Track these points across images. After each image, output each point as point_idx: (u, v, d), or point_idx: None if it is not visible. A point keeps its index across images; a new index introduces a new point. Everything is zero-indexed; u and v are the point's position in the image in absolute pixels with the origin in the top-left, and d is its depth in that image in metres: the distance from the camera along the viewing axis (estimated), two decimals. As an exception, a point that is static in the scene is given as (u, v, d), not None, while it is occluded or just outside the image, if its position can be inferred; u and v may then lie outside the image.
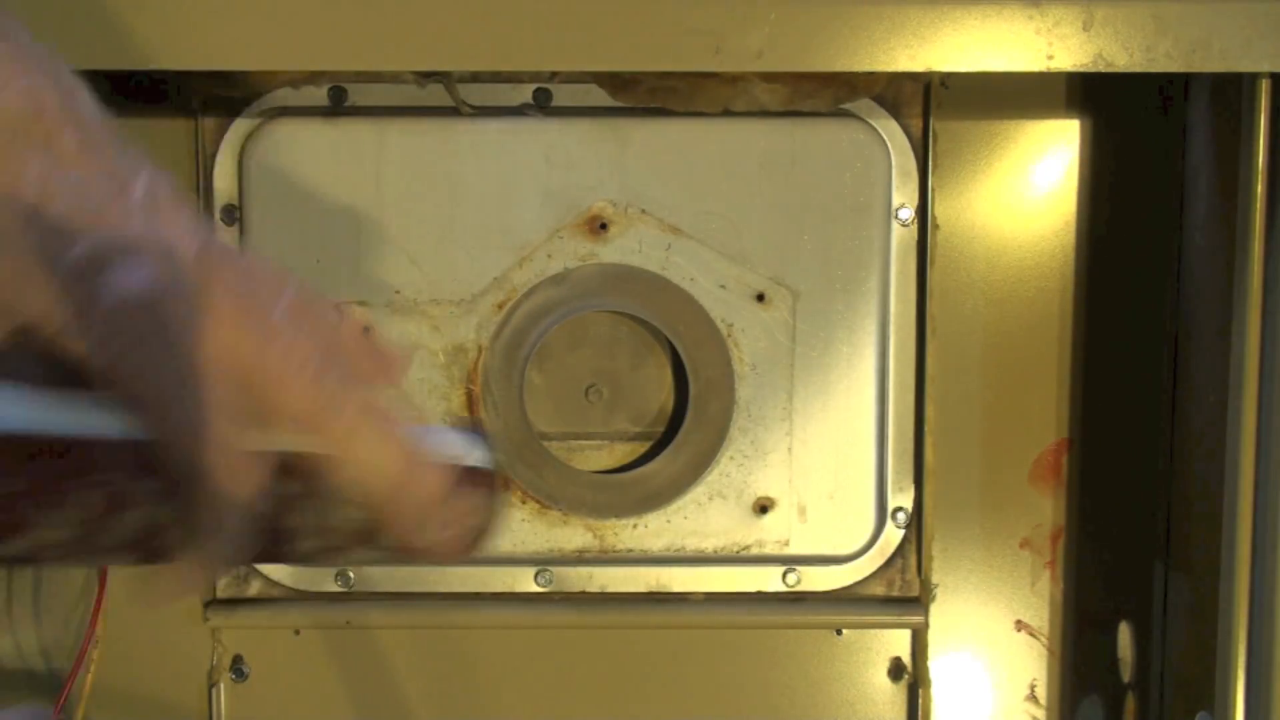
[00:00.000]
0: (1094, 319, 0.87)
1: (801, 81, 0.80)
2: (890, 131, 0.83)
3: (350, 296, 0.82)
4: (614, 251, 0.83)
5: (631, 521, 0.85)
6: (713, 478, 0.85)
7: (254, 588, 0.85)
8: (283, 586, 0.85)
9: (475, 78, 0.81)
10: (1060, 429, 0.88)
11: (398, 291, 0.83)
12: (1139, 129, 0.86)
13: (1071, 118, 0.86)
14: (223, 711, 0.86)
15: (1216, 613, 0.76)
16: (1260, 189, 0.73)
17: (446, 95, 0.80)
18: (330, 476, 0.39)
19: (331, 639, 0.87)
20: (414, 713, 0.90)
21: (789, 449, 0.85)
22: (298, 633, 0.87)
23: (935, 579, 0.88)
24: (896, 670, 0.89)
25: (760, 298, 0.83)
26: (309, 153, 0.81)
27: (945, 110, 0.83)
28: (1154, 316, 0.87)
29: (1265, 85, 0.72)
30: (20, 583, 0.87)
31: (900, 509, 0.85)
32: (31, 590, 0.87)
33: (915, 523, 0.85)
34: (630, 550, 0.85)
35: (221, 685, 0.86)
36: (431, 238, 0.82)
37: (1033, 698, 0.90)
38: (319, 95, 0.82)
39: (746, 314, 0.84)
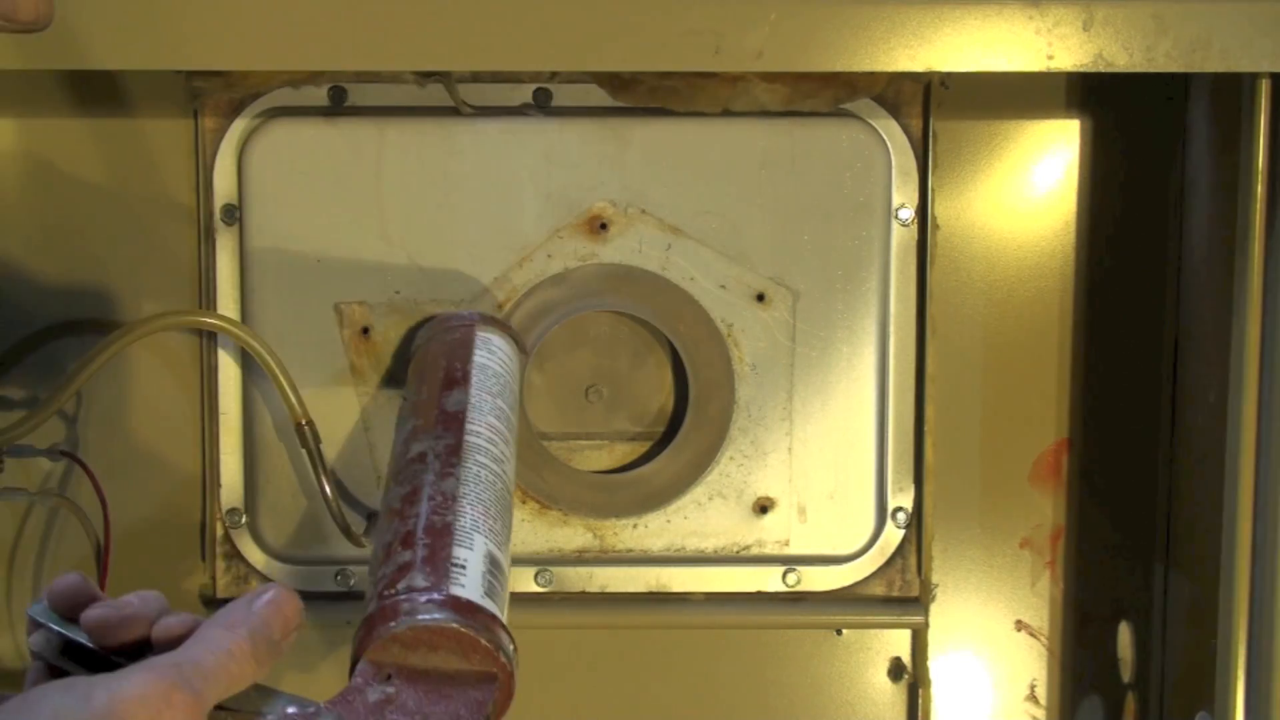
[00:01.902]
0: (1094, 319, 0.87)
1: (801, 81, 0.80)
2: (890, 131, 0.83)
3: (350, 296, 0.82)
4: (614, 251, 0.83)
5: (631, 521, 0.85)
6: (713, 478, 0.85)
7: (254, 586, 0.85)
8: (283, 586, 0.85)
9: (475, 78, 0.81)
10: (1060, 429, 0.88)
11: (398, 291, 0.83)
12: (1139, 129, 0.86)
13: (1071, 118, 0.86)
14: (223, 711, 0.86)
15: (1216, 613, 0.76)
16: (1260, 189, 0.73)
17: (446, 95, 0.80)
18: None
19: (332, 638, 0.87)
20: (414, 713, 0.90)
21: (789, 449, 0.85)
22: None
23: (935, 579, 0.88)
24: (896, 670, 0.89)
25: (760, 298, 0.83)
26: (309, 153, 0.81)
27: (945, 110, 0.83)
28: (1154, 316, 0.87)
29: (1265, 85, 0.72)
30: (20, 582, 0.87)
31: (900, 509, 0.85)
32: (31, 590, 0.87)
33: (915, 523, 0.85)
34: (630, 550, 0.85)
35: (221, 685, 0.86)
36: (431, 238, 0.82)
37: (1033, 698, 0.90)
38: (319, 95, 0.82)
39: (746, 314, 0.84)
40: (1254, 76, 0.72)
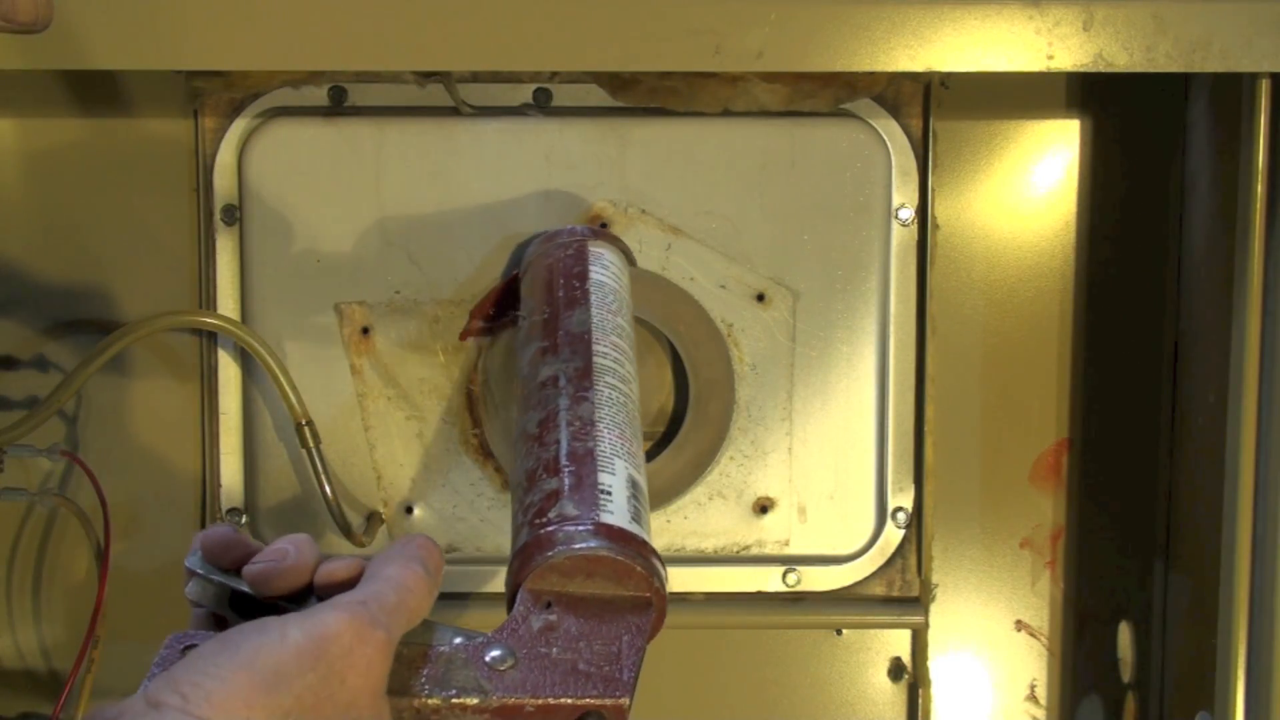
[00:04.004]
0: (1094, 319, 0.87)
1: (801, 81, 0.80)
2: (890, 131, 0.83)
3: (350, 296, 0.82)
4: (614, 251, 0.83)
5: (631, 521, 0.85)
6: (713, 478, 0.85)
7: (254, 588, 0.85)
8: (283, 586, 0.85)
9: (475, 78, 0.81)
10: (1060, 429, 0.88)
11: (398, 291, 0.83)
12: (1139, 129, 0.86)
13: (1071, 118, 0.86)
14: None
15: (1216, 613, 0.76)
16: (1260, 189, 0.73)
17: (446, 95, 0.80)
18: None
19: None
20: (414, 713, 0.90)
21: (789, 449, 0.85)
22: (298, 633, 0.87)
23: (935, 579, 0.88)
24: (896, 670, 0.89)
25: (760, 298, 0.83)
26: (309, 153, 0.81)
27: (945, 110, 0.83)
28: (1154, 316, 0.87)
29: (1265, 85, 0.72)
30: (20, 583, 0.87)
31: (900, 509, 0.85)
32: (31, 590, 0.87)
33: (915, 523, 0.85)
34: (630, 550, 0.85)
35: (221, 685, 0.86)
36: (431, 238, 0.82)
37: (1033, 698, 0.90)
38: (319, 95, 0.82)
39: (746, 314, 0.84)
40: (1254, 76, 0.72)
